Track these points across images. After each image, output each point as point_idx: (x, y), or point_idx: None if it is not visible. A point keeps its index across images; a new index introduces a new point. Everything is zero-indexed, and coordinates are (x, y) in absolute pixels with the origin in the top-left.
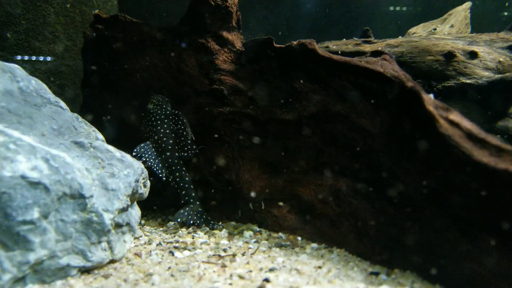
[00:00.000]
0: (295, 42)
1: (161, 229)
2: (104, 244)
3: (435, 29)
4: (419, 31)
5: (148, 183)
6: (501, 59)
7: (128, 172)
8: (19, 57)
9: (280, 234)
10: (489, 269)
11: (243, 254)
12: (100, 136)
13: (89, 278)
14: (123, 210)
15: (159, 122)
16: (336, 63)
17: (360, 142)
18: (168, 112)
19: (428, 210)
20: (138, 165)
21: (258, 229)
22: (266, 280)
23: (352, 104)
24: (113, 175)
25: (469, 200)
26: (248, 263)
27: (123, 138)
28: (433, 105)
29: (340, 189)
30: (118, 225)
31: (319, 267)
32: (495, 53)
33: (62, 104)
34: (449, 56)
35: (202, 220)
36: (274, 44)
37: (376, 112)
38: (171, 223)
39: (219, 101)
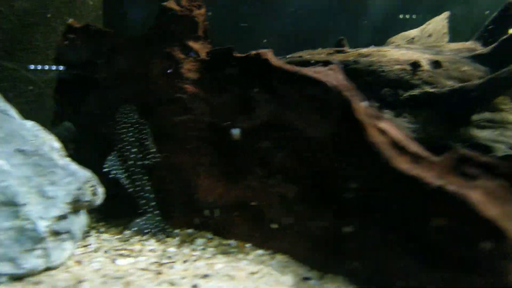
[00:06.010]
0: (253, 52)
1: (117, 236)
2: (39, 252)
3: (413, 39)
4: (398, 41)
5: (100, 191)
6: (464, 68)
7: (70, 180)
8: None
9: (232, 241)
10: (409, 275)
11: (184, 261)
12: (56, 144)
13: (18, 286)
14: (62, 217)
15: (124, 130)
16: (286, 73)
17: (306, 149)
18: (133, 121)
19: (362, 216)
20: (83, 173)
21: (211, 236)
22: (194, 286)
23: (299, 112)
24: (54, 183)
25: (391, 207)
26: (185, 269)
27: (96, 146)
28: (365, 113)
29: (287, 195)
30: (55, 233)
31: (254, 273)
32: (460, 63)
33: (12, 112)
34: (415, 65)
35: (158, 228)
36: (234, 54)
37: (321, 121)
38: (127, 231)
39: (181, 109)
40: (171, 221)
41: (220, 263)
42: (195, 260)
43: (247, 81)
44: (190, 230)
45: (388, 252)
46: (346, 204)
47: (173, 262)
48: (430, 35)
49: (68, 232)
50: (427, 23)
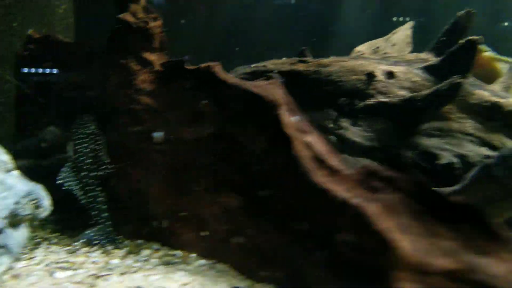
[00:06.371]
0: (203, 65)
1: (66, 248)
2: None
3: (378, 48)
4: (364, 50)
5: (45, 203)
6: (415, 79)
7: (6, 194)
8: None
9: (178, 251)
10: (323, 284)
11: (122, 273)
12: (4, 157)
13: None
14: None
15: (79, 141)
16: (230, 86)
17: (247, 162)
18: (89, 131)
19: (288, 226)
20: (22, 187)
21: (158, 247)
22: None
23: (241, 125)
24: None
25: (309, 218)
26: (120, 282)
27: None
28: (293, 128)
29: (230, 206)
30: None
31: (186, 284)
32: (411, 73)
33: None
34: (370, 76)
35: (108, 240)
36: (185, 66)
37: (259, 133)
38: (77, 242)
39: (134, 120)
40: (123, 232)
41: (158, 274)
42: (134, 272)
43: (198, 93)
44: (140, 241)
45: (307, 261)
46: (277, 215)
47: (110, 274)
48: (394, 45)
49: (3, 247)
50: (392, 32)
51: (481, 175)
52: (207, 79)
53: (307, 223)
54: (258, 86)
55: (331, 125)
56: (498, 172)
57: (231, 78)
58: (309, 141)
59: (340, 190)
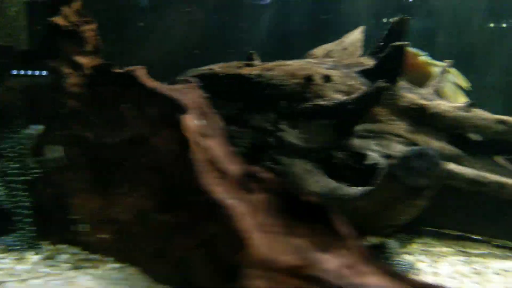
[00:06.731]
0: (127, 68)
1: None
2: None
3: (330, 51)
4: (318, 53)
5: None
6: (351, 82)
7: None
8: None
9: (96, 256)
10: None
11: (24, 280)
12: None
13: None
14: None
15: (6, 146)
16: (149, 90)
17: (160, 164)
18: (19, 136)
19: (188, 228)
20: None
21: (78, 251)
22: None
23: (156, 129)
24: None
25: (198, 220)
26: None
27: None
28: (195, 131)
29: (144, 209)
30: None
31: None
32: (348, 77)
33: None
34: (308, 79)
35: (28, 245)
36: (111, 70)
37: (170, 137)
38: None
39: (60, 124)
40: (47, 237)
41: (62, 279)
42: (36, 278)
43: (121, 97)
44: (63, 246)
45: (195, 261)
46: (179, 217)
47: (9, 281)
48: (345, 49)
49: None
50: (344, 36)
51: (385, 175)
52: (130, 82)
53: (198, 225)
54: (174, 90)
55: (271, 128)
56: (399, 172)
57: (150, 81)
58: (208, 145)
59: (219, 192)
